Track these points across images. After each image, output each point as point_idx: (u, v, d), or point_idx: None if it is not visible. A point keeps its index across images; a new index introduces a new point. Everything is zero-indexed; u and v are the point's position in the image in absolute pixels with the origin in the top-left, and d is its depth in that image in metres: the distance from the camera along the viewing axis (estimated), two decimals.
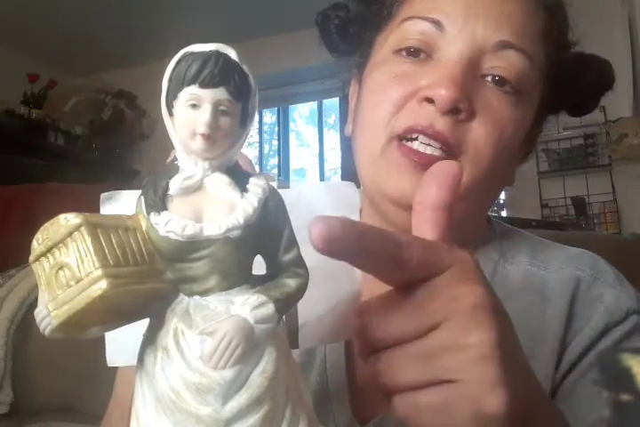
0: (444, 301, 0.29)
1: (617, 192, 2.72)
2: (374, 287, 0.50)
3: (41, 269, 0.25)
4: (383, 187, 0.50)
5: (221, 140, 0.26)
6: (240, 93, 0.26)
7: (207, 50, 0.26)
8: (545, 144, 2.82)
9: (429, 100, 0.48)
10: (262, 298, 0.25)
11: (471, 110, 0.48)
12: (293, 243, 0.28)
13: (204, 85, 0.25)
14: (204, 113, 0.25)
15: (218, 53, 0.26)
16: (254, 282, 0.27)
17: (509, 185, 0.60)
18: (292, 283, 0.27)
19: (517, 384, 0.28)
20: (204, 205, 0.26)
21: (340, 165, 3.68)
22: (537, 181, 2.83)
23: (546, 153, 2.84)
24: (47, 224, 0.25)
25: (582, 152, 2.80)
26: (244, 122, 0.27)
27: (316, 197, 0.40)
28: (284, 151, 3.79)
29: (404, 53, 0.51)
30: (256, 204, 0.26)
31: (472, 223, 0.56)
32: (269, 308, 0.25)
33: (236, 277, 0.27)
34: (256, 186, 0.27)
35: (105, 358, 0.36)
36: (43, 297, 0.24)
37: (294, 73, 3.42)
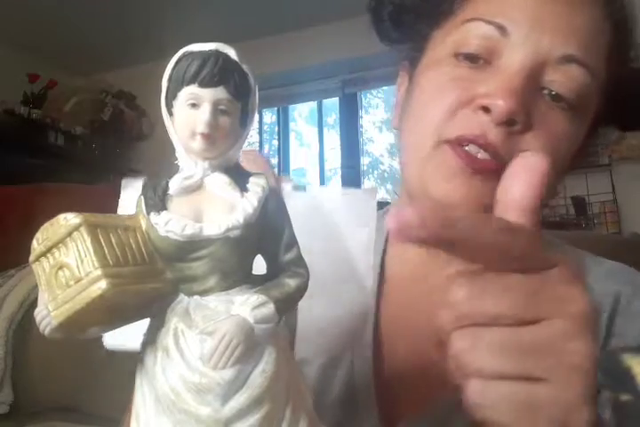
0: (551, 298, 0.27)
1: (617, 192, 2.72)
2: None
3: (41, 269, 0.25)
4: (430, 188, 0.49)
5: (221, 140, 0.26)
6: (240, 93, 0.26)
7: (207, 49, 0.26)
8: None
9: (486, 110, 0.46)
10: (262, 298, 0.25)
11: (527, 123, 0.46)
12: (293, 242, 0.28)
13: (203, 85, 0.25)
14: (204, 112, 0.25)
15: (217, 53, 0.25)
16: (254, 282, 0.27)
17: (553, 197, 0.59)
18: (292, 283, 0.27)
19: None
20: (203, 205, 0.26)
21: (340, 165, 3.68)
22: None
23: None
24: (47, 224, 0.25)
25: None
26: (243, 121, 0.27)
27: (333, 204, 0.39)
28: (284, 151, 3.79)
29: (462, 58, 0.49)
30: (256, 203, 0.26)
31: None
32: (269, 308, 0.25)
33: (236, 276, 0.26)
34: (256, 185, 0.27)
35: (104, 357, 0.36)
36: (43, 297, 0.24)
37: (294, 73, 3.42)
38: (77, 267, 0.24)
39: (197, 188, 0.26)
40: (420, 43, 0.55)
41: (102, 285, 0.23)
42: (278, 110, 3.86)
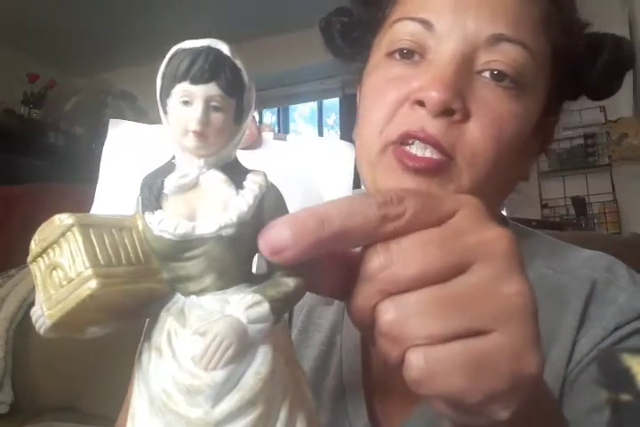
0: (471, 241, 0.25)
1: (617, 192, 2.72)
2: None
3: (37, 269, 0.25)
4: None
5: (214, 137, 0.25)
6: (232, 88, 0.25)
7: (198, 46, 0.25)
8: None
9: (421, 103, 0.46)
10: (257, 297, 0.25)
11: (466, 110, 0.46)
12: None
13: (194, 81, 0.25)
14: (196, 110, 0.25)
15: (209, 49, 0.25)
16: (254, 281, 0.26)
17: (524, 180, 0.58)
18: (290, 282, 0.26)
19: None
20: (198, 204, 0.26)
21: None
22: (537, 181, 2.83)
23: (545, 153, 2.83)
24: (43, 225, 0.25)
25: (582, 152, 2.80)
26: (239, 118, 0.26)
27: (313, 154, 0.38)
28: None
29: (397, 56, 0.50)
30: (251, 201, 0.26)
31: None
32: (264, 307, 0.24)
33: (233, 275, 0.26)
34: (253, 183, 0.26)
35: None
36: (39, 297, 0.25)
37: (294, 73, 3.42)
38: (69, 267, 0.24)
39: (193, 186, 0.26)
40: (365, 53, 0.56)
41: (92, 284, 0.23)
42: (278, 110, 3.86)
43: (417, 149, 0.46)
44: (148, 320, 0.27)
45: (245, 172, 0.27)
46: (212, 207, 0.25)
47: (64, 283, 0.24)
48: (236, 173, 0.26)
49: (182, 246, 0.25)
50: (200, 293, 0.26)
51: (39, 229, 0.25)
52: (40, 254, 0.25)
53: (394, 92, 0.49)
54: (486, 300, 0.25)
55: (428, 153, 0.46)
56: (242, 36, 3.19)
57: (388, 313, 0.25)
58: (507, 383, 0.24)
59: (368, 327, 0.26)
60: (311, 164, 0.37)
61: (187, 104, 0.25)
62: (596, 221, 2.74)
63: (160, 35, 2.99)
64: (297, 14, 2.92)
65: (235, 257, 0.26)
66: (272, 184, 0.27)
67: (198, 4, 2.96)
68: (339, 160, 0.38)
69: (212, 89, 0.25)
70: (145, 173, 0.27)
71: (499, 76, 0.47)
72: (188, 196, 0.26)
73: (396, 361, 0.25)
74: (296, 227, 0.24)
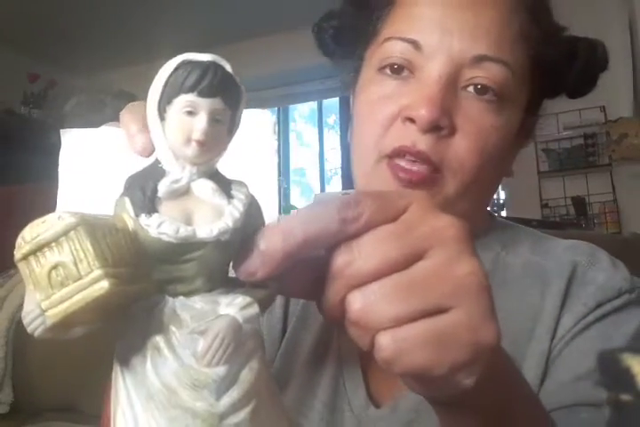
0: (423, 231, 0.28)
1: (617, 192, 2.72)
2: None
3: (29, 268, 0.24)
4: None
5: (213, 147, 0.27)
6: (233, 103, 0.27)
7: (205, 60, 0.27)
8: (545, 144, 2.82)
9: (411, 120, 0.50)
10: (248, 299, 0.27)
11: (452, 126, 0.50)
12: None
13: (202, 95, 0.26)
14: (201, 121, 0.26)
15: (215, 65, 0.27)
16: (231, 283, 0.29)
17: (508, 176, 0.62)
18: (269, 284, 0.29)
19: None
20: (193, 209, 0.27)
21: (340, 165, 3.68)
22: (537, 181, 2.83)
23: (546, 153, 2.84)
24: (37, 222, 0.24)
25: (582, 152, 2.80)
26: (230, 130, 0.28)
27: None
28: (284, 151, 3.80)
29: (387, 71, 0.54)
30: (242, 209, 0.28)
31: (472, 220, 0.57)
32: (255, 308, 0.27)
33: (218, 278, 0.28)
34: (239, 192, 0.28)
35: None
36: (32, 297, 0.24)
37: (294, 73, 3.42)
38: (75, 266, 0.23)
39: (184, 192, 0.27)
40: (357, 62, 0.60)
41: (105, 284, 0.23)
42: (278, 110, 3.86)
43: (407, 164, 0.51)
44: (131, 321, 0.27)
45: (228, 181, 0.29)
46: (208, 213, 0.27)
47: (68, 282, 0.23)
48: (221, 182, 0.28)
49: (180, 249, 0.26)
50: (189, 294, 0.27)
51: (31, 227, 0.24)
52: (33, 252, 0.24)
53: (386, 109, 0.53)
54: (442, 281, 0.27)
55: (416, 167, 0.50)
56: (242, 36, 3.19)
57: (356, 303, 0.27)
58: (468, 354, 0.27)
59: (339, 320, 0.29)
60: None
61: (190, 114, 0.27)
62: (595, 221, 2.74)
63: (160, 35, 3.00)
64: (297, 13, 2.92)
65: (223, 261, 0.28)
66: (252, 194, 0.29)
67: (198, 3, 2.96)
68: (259, 129, 0.40)
69: (217, 103, 0.27)
70: (129, 175, 0.28)
71: (482, 90, 0.51)
72: (181, 201, 0.27)
73: (368, 346, 0.28)
74: (263, 251, 0.27)
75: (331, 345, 0.57)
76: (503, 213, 2.88)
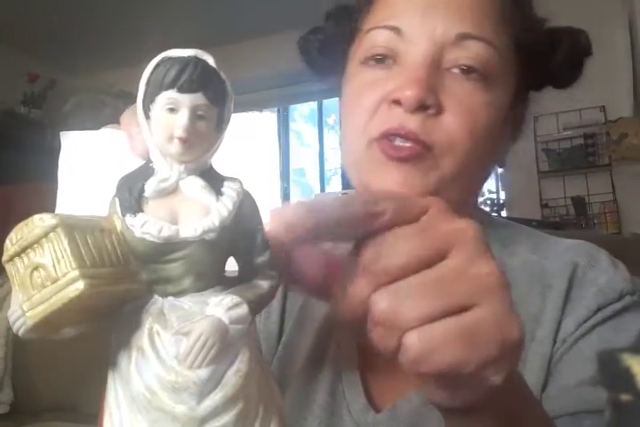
0: (445, 232, 0.29)
1: (617, 192, 2.72)
2: None
3: (15, 269, 0.25)
4: (369, 183, 0.52)
5: (198, 144, 0.27)
6: (217, 99, 0.27)
7: (186, 55, 0.26)
8: (545, 144, 2.82)
9: (397, 102, 0.50)
10: (237, 299, 0.26)
11: (440, 104, 0.50)
12: (266, 246, 0.29)
13: (182, 90, 0.26)
14: (182, 117, 0.26)
15: (196, 59, 0.26)
16: (227, 283, 0.28)
17: (500, 163, 0.61)
18: (264, 284, 0.28)
19: None
20: (179, 208, 0.27)
21: (340, 165, 3.68)
22: (537, 181, 2.83)
23: (546, 153, 2.84)
24: (21, 224, 0.25)
25: (582, 152, 2.80)
26: (219, 126, 0.27)
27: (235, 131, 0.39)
28: (284, 151, 3.80)
29: (371, 62, 0.54)
30: (231, 207, 0.27)
31: (462, 209, 0.57)
32: (243, 308, 0.26)
33: (210, 278, 0.27)
34: (231, 189, 0.28)
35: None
36: (16, 298, 0.24)
37: (294, 73, 3.42)
38: (54, 267, 0.24)
39: (173, 191, 0.27)
40: (342, 63, 0.60)
41: (80, 285, 0.23)
42: (278, 110, 3.86)
43: (399, 143, 0.50)
44: (121, 321, 0.27)
45: (222, 178, 0.28)
46: (194, 212, 0.27)
47: (47, 283, 0.24)
48: (213, 180, 0.28)
49: (164, 249, 0.26)
50: (178, 294, 0.27)
51: (16, 229, 0.25)
52: (18, 254, 0.24)
53: (372, 94, 0.52)
54: (465, 279, 0.28)
55: (409, 144, 0.50)
56: (242, 36, 3.19)
57: (382, 301, 0.27)
58: (495, 350, 0.27)
59: (359, 320, 0.28)
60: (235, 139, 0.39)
61: (172, 111, 0.26)
62: (595, 221, 2.74)
63: (160, 35, 3.00)
64: (297, 13, 2.92)
65: (213, 260, 0.27)
66: (247, 191, 0.28)
67: (198, 3, 2.96)
68: (260, 130, 0.40)
69: (198, 98, 0.26)
70: (121, 175, 0.28)
71: (467, 71, 0.51)
72: (168, 200, 0.27)
73: (394, 347, 0.27)
74: (306, 209, 0.28)
75: (328, 349, 0.57)
76: (503, 213, 2.88)
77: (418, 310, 0.27)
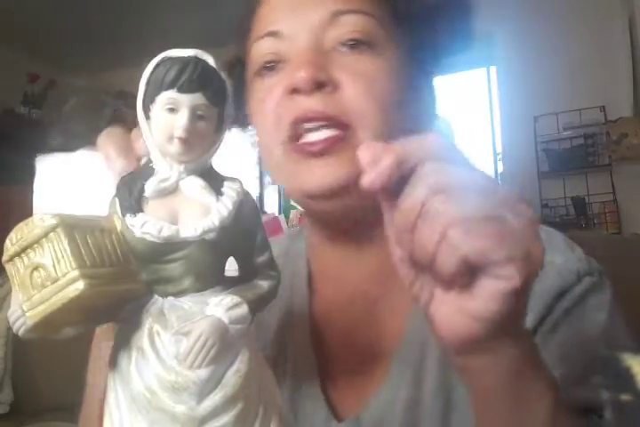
0: None
1: (617, 192, 2.72)
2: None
3: (15, 269, 0.25)
4: (301, 184, 0.51)
5: (197, 144, 0.27)
6: (217, 99, 0.27)
7: (185, 55, 0.26)
8: (545, 144, 2.82)
9: (295, 91, 0.50)
10: (236, 299, 0.26)
11: (335, 81, 0.50)
12: (266, 245, 0.29)
13: (182, 90, 0.26)
14: (182, 117, 0.26)
15: (196, 59, 0.26)
16: (227, 283, 0.28)
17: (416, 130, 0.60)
18: (264, 284, 0.28)
19: None
20: (179, 208, 0.27)
21: None
22: (537, 181, 2.83)
23: (546, 153, 2.84)
24: (21, 224, 0.25)
25: (582, 152, 2.80)
26: (219, 127, 0.27)
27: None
28: None
29: (264, 72, 0.54)
30: (231, 207, 0.27)
31: None
32: (243, 308, 0.26)
33: (210, 278, 0.27)
34: (231, 189, 0.27)
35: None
36: (16, 297, 0.24)
37: None
38: (54, 267, 0.24)
39: (173, 191, 0.27)
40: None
41: (80, 285, 0.23)
42: None
43: (312, 136, 0.50)
44: (122, 321, 0.27)
45: (222, 178, 0.28)
46: (194, 212, 0.26)
47: (47, 283, 0.24)
48: (213, 180, 0.28)
49: (164, 249, 0.26)
50: (178, 294, 0.27)
51: (16, 229, 0.25)
52: (18, 254, 0.24)
53: (271, 99, 0.52)
54: (501, 201, 0.33)
55: (323, 134, 0.49)
56: None
57: (439, 202, 0.32)
58: (522, 251, 0.31)
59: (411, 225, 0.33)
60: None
61: (172, 111, 0.26)
62: (595, 221, 2.74)
63: (160, 35, 3.00)
64: None
65: (213, 260, 0.27)
66: (247, 192, 0.28)
67: (200, 3, 2.96)
68: (240, 148, 0.40)
69: (198, 99, 0.26)
70: (121, 176, 0.28)
71: (351, 45, 0.51)
72: (168, 200, 0.27)
73: (439, 237, 0.31)
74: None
75: (285, 361, 0.56)
76: None
77: (465, 212, 0.31)
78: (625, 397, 0.27)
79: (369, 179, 0.32)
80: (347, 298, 0.57)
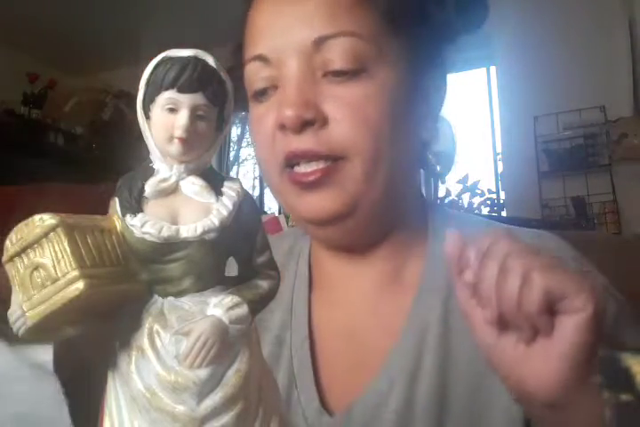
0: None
1: (617, 192, 2.72)
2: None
3: (15, 269, 0.25)
4: (299, 212, 0.54)
5: (198, 144, 0.27)
6: (217, 99, 0.27)
7: (185, 55, 0.26)
8: (545, 144, 2.82)
9: (283, 127, 0.50)
10: (236, 299, 0.26)
11: (323, 115, 0.50)
12: (266, 246, 0.29)
13: (182, 90, 0.26)
14: (182, 117, 0.26)
15: (196, 59, 0.26)
16: (227, 283, 0.28)
17: (430, 141, 0.58)
18: (264, 284, 0.28)
19: None
20: (179, 208, 0.27)
21: None
22: (537, 181, 2.83)
23: (546, 153, 2.83)
24: (21, 224, 0.25)
25: (582, 152, 2.80)
26: (219, 127, 0.28)
27: None
28: None
29: (257, 97, 0.54)
30: (231, 207, 0.27)
31: (399, 202, 0.56)
32: (243, 309, 0.26)
33: (210, 278, 0.27)
34: (231, 189, 0.28)
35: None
36: (16, 297, 0.24)
37: None
38: (54, 267, 0.24)
39: (173, 191, 0.27)
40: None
41: (80, 285, 0.23)
42: None
43: (305, 167, 0.51)
44: (122, 321, 0.27)
45: (222, 178, 0.28)
46: (194, 212, 0.27)
47: (47, 283, 0.24)
48: (213, 180, 0.28)
49: (164, 249, 0.26)
50: (178, 294, 0.27)
51: (16, 229, 0.25)
52: (18, 254, 0.24)
53: (264, 132, 0.53)
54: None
55: (315, 165, 0.50)
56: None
57: (513, 260, 0.36)
58: (588, 284, 0.35)
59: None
60: None
61: (172, 111, 0.26)
62: (596, 221, 2.74)
63: (160, 35, 3.00)
64: None
65: (213, 260, 0.27)
66: (247, 192, 0.28)
67: (199, 4, 2.96)
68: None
69: (198, 99, 0.26)
70: (122, 176, 0.28)
71: (339, 74, 0.50)
72: (169, 200, 0.27)
73: (520, 286, 0.35)
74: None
75: (282, 358, 0.57)
76: (503, 213, 2.88)
77: (536, 259, 0.36)
78: (625, 397, 0.27)
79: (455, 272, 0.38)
80: (346, 301, 0.58)
